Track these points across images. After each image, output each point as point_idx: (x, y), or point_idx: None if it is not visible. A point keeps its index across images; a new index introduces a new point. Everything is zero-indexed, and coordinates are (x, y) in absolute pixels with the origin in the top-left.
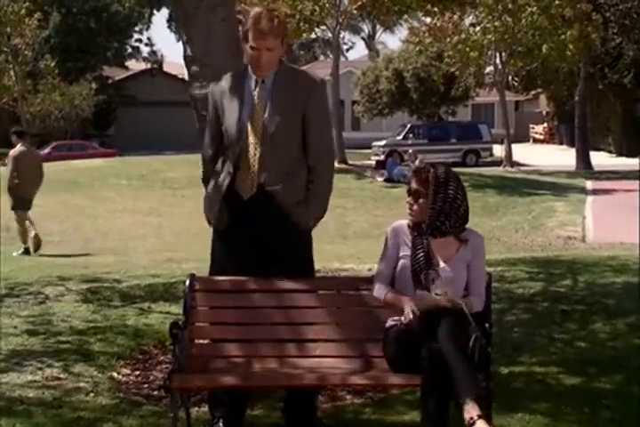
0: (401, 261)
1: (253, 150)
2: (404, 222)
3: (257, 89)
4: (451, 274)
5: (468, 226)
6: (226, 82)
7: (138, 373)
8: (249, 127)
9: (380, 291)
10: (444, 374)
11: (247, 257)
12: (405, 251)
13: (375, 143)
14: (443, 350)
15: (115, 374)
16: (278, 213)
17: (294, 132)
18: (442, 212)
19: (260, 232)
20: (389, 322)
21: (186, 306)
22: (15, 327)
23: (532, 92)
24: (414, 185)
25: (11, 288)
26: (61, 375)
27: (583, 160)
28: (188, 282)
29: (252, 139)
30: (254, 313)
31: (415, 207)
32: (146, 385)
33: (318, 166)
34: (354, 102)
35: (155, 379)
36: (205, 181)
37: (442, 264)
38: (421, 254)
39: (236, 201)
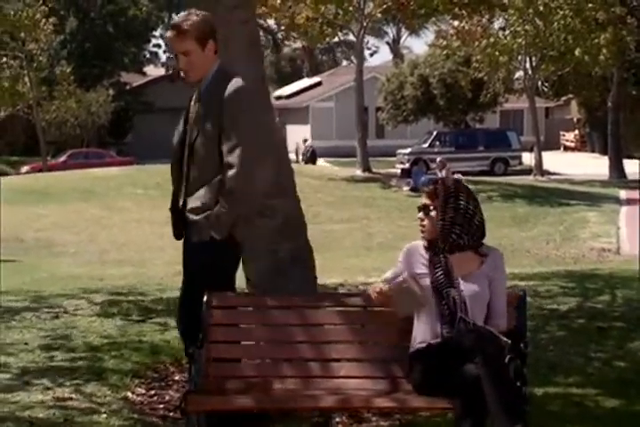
0: (422, 282)
1: (185, 164)
2: (419, 243)
3: (193, 99)
4: (472, 291)
5: (488, 239)
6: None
7: (153, 392)
8: (186, 140)
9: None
10: (480, 400)
11: (184, 272)
12: (422, 269)
13: (400, 151)
14: (480, 376)
15: (129, 394)
16: (193, 227)
17: (213, 147)
18: (454, 223)
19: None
20: (415, 344)
21: (202, 323)
22: (26, 344)
23: (563, 98)
24: (423, 199)
25: (30, 300)
26: (73, 395)
27: (616, 169)
28: (205, 298)
29: (186, 152)
30: (274, 331)
31: (426, 222)
32: (161, 406)
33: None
34: (378, 109)
35: (171, 399)
36: None
37: (462, 282)
38: (440, 272)
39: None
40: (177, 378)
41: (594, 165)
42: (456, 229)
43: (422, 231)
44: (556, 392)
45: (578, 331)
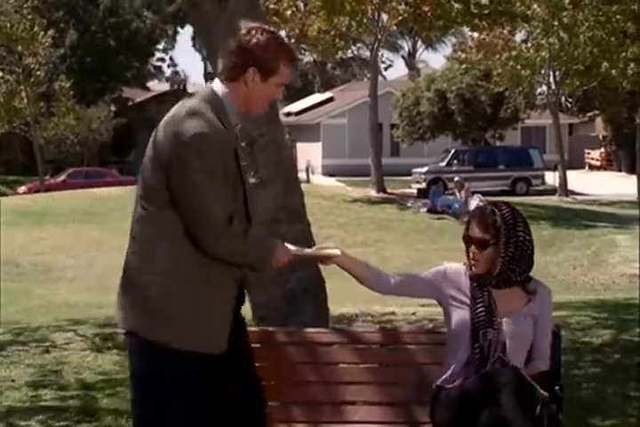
0: (456, 314)
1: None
2: (462, 268)
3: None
4: (514, 332)
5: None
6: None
7: None
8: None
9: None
10: None
11: None
12: (461, 297)
13: (416, 170)
14: (508, 419)
15: None
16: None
17: None
18: (514, 259)
19: None
20: (440, 382)
21: None
22: (13, 381)
23: (588, 115)
24: (478, 233)
25: (15, 334)
26: None
27: None
28: None
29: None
30: (282, 369)
31: (479, 258)
32: None
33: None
34: (392, 126)
35: None
36: None
37: (505, 320)
38: (482, 309)
39: None
40: None
41: (621, 185)
42: (514, 265)
43: (473, 266)
44: None
45: (614, 367)
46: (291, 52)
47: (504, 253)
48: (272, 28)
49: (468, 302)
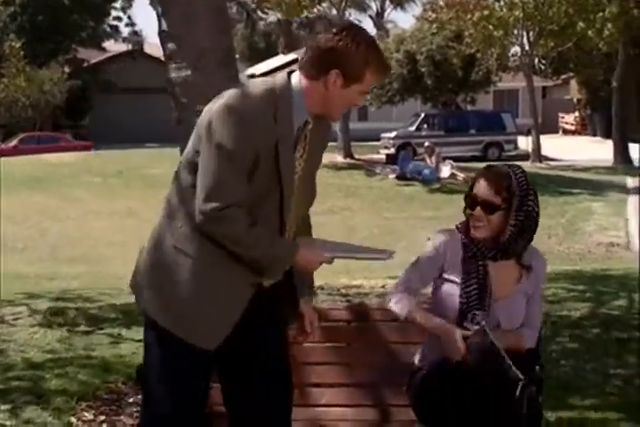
0: (445, 287)
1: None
2: (457, 236)
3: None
4: (507, 315)
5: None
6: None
7: (103, 418)
8: None
9: (402, 303)
10: None
11: None
12: (452, 271)
13: (384, 135)
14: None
15: (74, 420)
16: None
17: None
18: (523, 230)
19: None
20: (419, 362)
21: None
22: None
23: (563, 77)
24: (489, 195)
25: None
26: (7, 422)
27: (622, 154)
28: None
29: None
30: None
31: (484, 222)
32: None
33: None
34: None
35: (123, 426)
36: None
37: (498, 304)
38: (474, 287)
39: None
40: (131, 400)
41: (596, 150)
42: (521, 236)
43: (475, 230)
44: (571, 417)
45: (593, 342)
46: (382, 61)
47: (514, 221)
48: (368, 33)
49: (459, 275)
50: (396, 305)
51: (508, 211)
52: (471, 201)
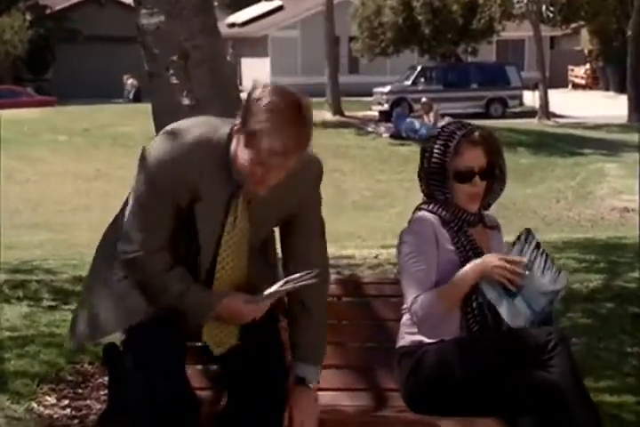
0: (442, 257)
1: None
2: (433, 217)
3: None
4: None
5: None
6: None
7: (66, 402)
8: None
9: (421, 299)
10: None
11: None
12: (442, 240)
13: (377, 89)
14: (562, 387)
15: (34, 405)
16: None
17: None
18: (501, 190)
19: None
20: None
21: None
22: None
23: (572, 26)
24: (473, 158)
25: None
26: None
27: (637, 110)
28: None
29: None
30: None
31: (479, 193)
32: (76, 421)
33: None
34: (351, 39)
35: (89, 412)
36: None
37: None
38: (470, 254)
39: None
40: (99, 382)
41: (609, 106)
42: (496, 199)
43: (474, 201)
44: None
45: (607, 318)
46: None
47: (502, 184)
48: (292, 93)
49: (451, 245)
50: (422, 307)
51: (502, 175)
52: (469, 174)
